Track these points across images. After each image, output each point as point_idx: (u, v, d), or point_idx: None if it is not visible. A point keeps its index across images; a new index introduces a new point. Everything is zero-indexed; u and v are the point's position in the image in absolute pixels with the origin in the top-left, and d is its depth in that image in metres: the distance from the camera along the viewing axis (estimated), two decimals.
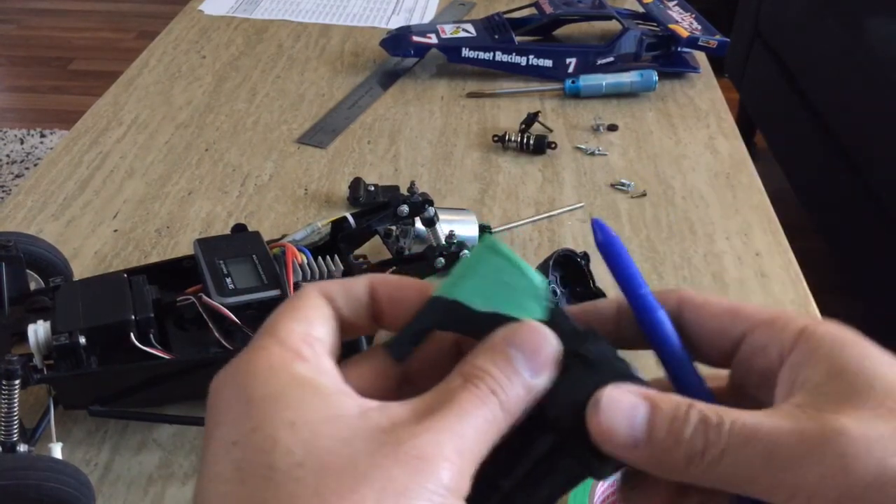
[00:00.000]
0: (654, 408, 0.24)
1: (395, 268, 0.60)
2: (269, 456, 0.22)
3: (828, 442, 0.22)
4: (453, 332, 0.27)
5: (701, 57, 1.08)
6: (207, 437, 0.23)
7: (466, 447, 0.23)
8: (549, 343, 0.25)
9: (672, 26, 1.02)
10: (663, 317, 0.27)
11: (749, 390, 0.27)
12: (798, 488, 0.22)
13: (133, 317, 0.52)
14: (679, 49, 1.04)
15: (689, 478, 0.24)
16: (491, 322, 0.26)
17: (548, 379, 0.25)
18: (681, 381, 0.27)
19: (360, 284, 0.28)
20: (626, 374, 0.25)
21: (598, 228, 0.28)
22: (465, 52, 1.01)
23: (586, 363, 0.25)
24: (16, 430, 0.49)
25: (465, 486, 0.23)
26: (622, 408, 0.24)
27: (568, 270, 0.61)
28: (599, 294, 0.62)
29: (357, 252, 0.67)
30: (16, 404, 0.49)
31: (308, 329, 0.25)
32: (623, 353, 0.26)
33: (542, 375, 0.25)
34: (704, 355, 0.28)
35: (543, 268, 0.60)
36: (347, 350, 0.28)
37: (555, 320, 0.26)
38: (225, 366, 0.25)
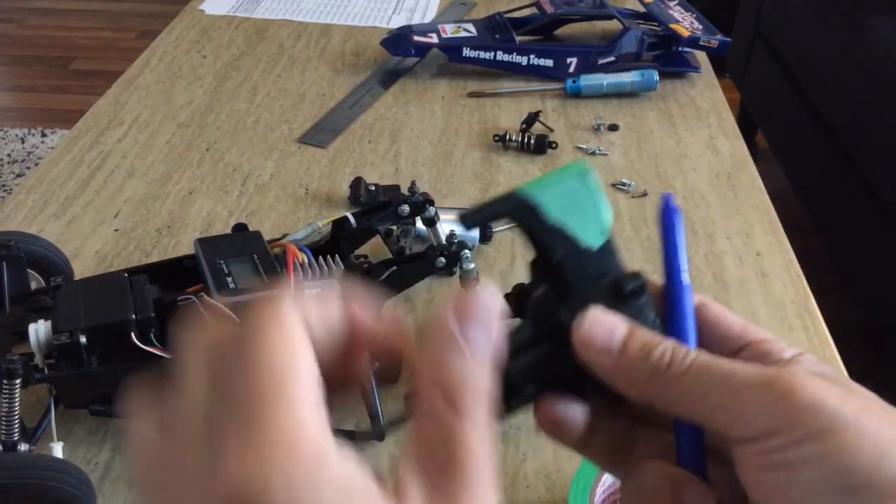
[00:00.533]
0: (632, 332, 0.27)
1: (395, 267, 0.60)
2: None
3: (779, 376, 0.24)
4: (519, 227, 0.28)
5: (702, 57, 1.08)
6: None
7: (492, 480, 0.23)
8: (480, 301, 0.25)
9: (673, 26, 1.02)
10: (686, 290, 0.29)
11: None
12: (743, 410, 0.24)
13: (134, 316, 0.52)
14: (680, 49, 1.04)
15: (648, 392, 0.26)
16: (554, 235, 0.28)
17: (495, 339, 0.25)
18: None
19: (334, 312, 0.26)
20: (642, 310, 0.28)
21: (666, 199, 0.30)
22: (466, 52, 1.01)
23: (617, 296, 0.28)
24: (17, 430, 0.49)
25: None
26: (605, 323, 0.27)
27: None
28: None
29: (358, 251, 0.67)
30: (17, 403, 0.49)
31: (314, 387, 0.22)
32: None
33: (487, 331, 0.25)
34: (708, 349, 0.29)
35: None
36: None
37: (606, 251, 0.28)
38: (253, 456, 0.20)
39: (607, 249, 0.28)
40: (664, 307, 0.29)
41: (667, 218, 0.29)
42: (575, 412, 0.28)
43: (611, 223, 0.29)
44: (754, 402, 0.24)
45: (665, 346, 0.26)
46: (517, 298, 0.29)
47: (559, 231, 0.28)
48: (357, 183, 0.79)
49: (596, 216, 0.28)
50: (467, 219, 0.28)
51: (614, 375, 0.27)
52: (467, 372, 0.24)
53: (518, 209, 0.28)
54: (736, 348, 0.28)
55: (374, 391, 0.50)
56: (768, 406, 0.24)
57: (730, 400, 0.24)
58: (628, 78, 0.98)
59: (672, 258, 0.29)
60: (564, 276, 0.28)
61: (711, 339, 0.29)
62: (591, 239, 0.28)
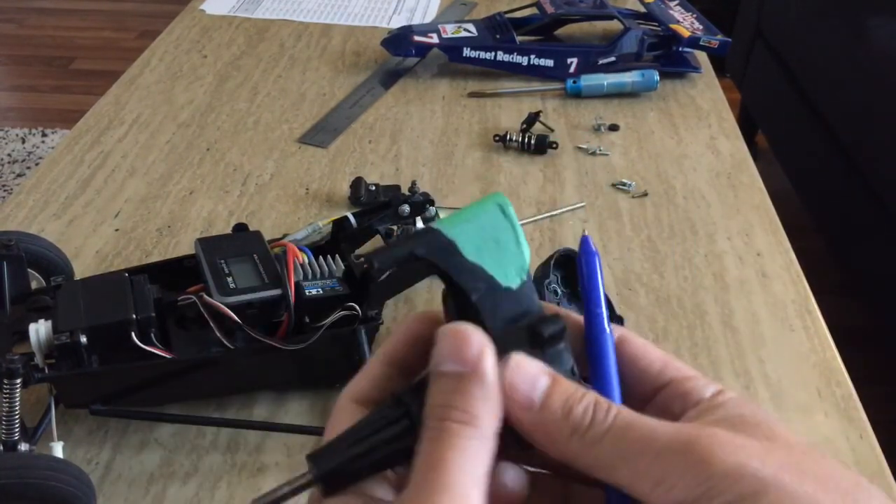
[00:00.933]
0: (555, 382, 0.26)
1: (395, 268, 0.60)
2: None
3: (699, 439, 0.24)
4: (432, 266, 0.27)
5: (702, 57, 1.08)
6: None
7: (460, 489, 0.23)
8: (467, 331, 0.25)
9: (673, 26, 1.02)
10: (608, 338, 0.28)
11: None
12: (663, 476, 0.24)
13: (134, 316, 0.52)
14: (680, 49, 1.04)
15: (568, 452, 0.25)
16: (472, 275, 0.27)
17: (492, 355, 0.25)
18: (603, 393, 0.28)
19: (377, 371, 0.28)
20: (560, 355, 0.27)
21: (584, 242, 0.29)
22: (467, 52, 1.01)
23: (536, 341, 0.26)
24: (17, 429, 0.49)
25: None
26: (529, 372, 0.26)
27: (569, 270, 0.61)
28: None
29: (358, 251, 0.67)
30: (17, 403, 0.49)
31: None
32: None
33: (483, 359, 0.25)
34: (628, 387, 0.29)
35: (545, 268, 0.60)
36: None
37: (524, 291, 0.27)
38: None
39: (525, 289, 0.27)
40: (582, 349, 0.28)
41: (586, 261, 0.28)
42: (511, 477, 0.27)
43: (528, 261, 0.28)
44: (675, 468, 0.23)
45: (587, 401, 0.25)
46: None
47: (478, 270, 0.27)
48: (357, 183, 0.79)
49: (515, 253, 0.27)
50: (375, 261, 0.26)
51: (534, 432, 0.26)
52: (432, 395, 0.25)
53: (432, 248, 0.26)
54: (657, 386, 0.28)
55: None
56: (689, 473, 0.23)
57: (651, 465, 0.24)
58: (629, 78, 0.98)
59: (592, 303, 0.28)
60: (481, 318, 0.26)
61: (632, 375, 0.28)
62: (509, 278, 0.27)
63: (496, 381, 0.25)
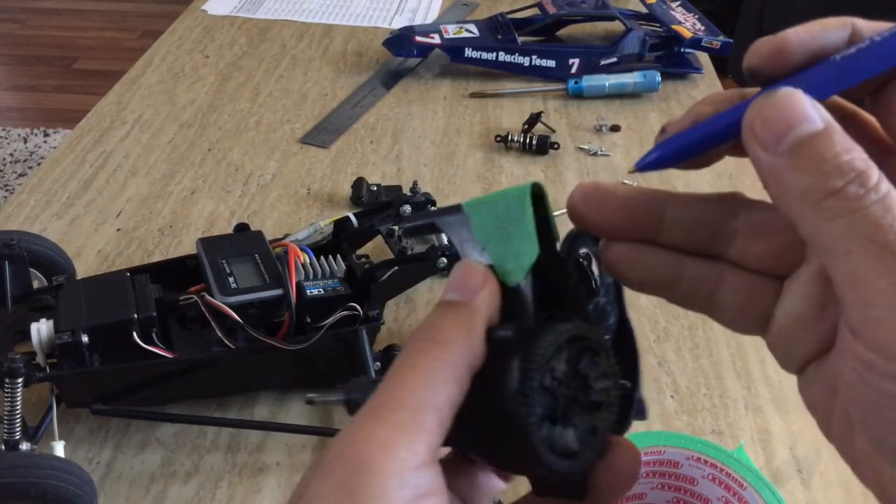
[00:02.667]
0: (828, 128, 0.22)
1: (397, 268, 0.60)
2: None
3: None
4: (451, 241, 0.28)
5: (704, 58, 1.08)
6: None
7: (408, 419, 0.22)
8: (473, 266, 0.25)
9: (675, 27, 1.02)
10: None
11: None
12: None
13: (136, 316, 0.52)
14: (682, 50, 1.04)
15: (801, 217, 0.22)
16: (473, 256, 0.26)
17: (491, 293, 0.25)
18: None
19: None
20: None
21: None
22: (469, 53, 1.01)
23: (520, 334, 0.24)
24: (18, 429, 0.49)
25: (423, 452, 0.22)
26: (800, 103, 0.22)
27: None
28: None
29: (359, 252, 0.67)
30: (18, 402, 0.49)
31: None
32: None
33: (481, 293, 0.25)
34: None
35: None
36: None
37: (515, 292, 0.25)
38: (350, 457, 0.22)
39: (518, 289, 0.25)
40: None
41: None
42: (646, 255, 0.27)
43: (531, 261, 0.25)
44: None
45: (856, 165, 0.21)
46: None
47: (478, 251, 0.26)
48: (359, 183, 0.79)
49: (520, 249, 0.25)
50: (404, 224, 0.28)
51: (771, 182, 0.22)
52: (426, 319, 0.25)
53: (449, 210, 0.27)
54: None
55: None
56: None
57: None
58: (630, 79, 0.98)
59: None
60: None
61: None
62: (507, 274, 0.26)
63: (485, 315, 0.25)
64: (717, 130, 0.24)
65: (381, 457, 0.21)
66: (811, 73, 0.23)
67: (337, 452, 0.21)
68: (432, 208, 0.67)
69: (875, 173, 0.21)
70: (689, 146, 0.25)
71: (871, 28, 0.23)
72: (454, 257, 0.61)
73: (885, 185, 0.20)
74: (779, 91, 0.22)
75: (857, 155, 0.21)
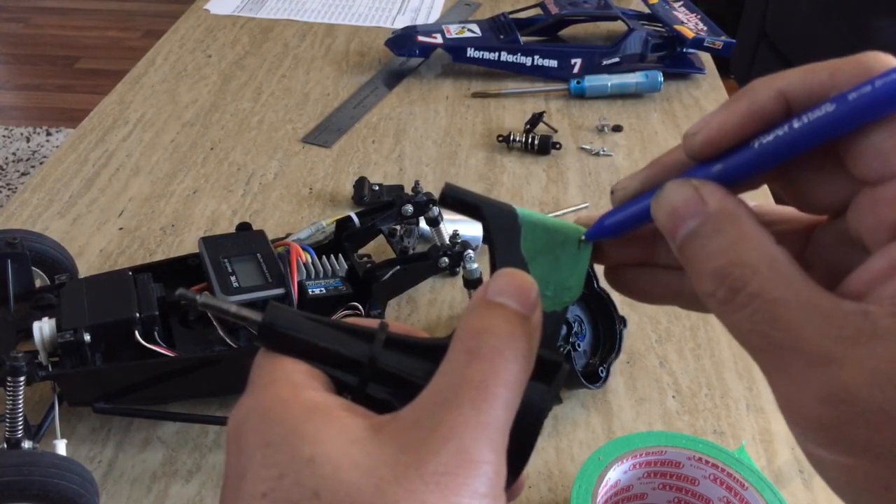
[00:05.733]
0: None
1: (398, 267, 0.60)
2: (291, 490, 0.21)
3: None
4: (486, 232, 0.27)
5: (706, 58, 1.08)
6: (233, 489, 0.23)
7: (496, 432, 0.22)
8: (528, 279, 0.25)
9: (677, 27, 1.02)
10: None
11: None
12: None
13: (138, 314, 0.53)
14: (684, 50, 1.04)
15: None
16: (511, 264, 0.26)
17: (540, 314, 0.25)
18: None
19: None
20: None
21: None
22: (471, 52, 1.01)
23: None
24: (20, 427, 0.49)
25: (503, 474, 0.22)
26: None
27: None
28: (603, 295, 0.62)
29: (361, 251, 0.67)
30: (20, 401, 0.49)
31: (305, 364, 0.25)
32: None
33: (537, 310, 0.25)
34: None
35: None
36: None
37: (546, 318, 0.26)
38: (237, 408, 0.24)
39: (548, 317, 0.26)
40: None
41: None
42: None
43: (571, 300, 0.27)
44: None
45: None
46: None
47: (520, 265, 0.26)
48: (361, 182, 0.79)
49: (564, 281, 0.27)
50: (448, 189, 0.27)
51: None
52: (489, 319, 0.24)
53: (497, 217, 0.26)
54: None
55: None
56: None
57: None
58: (633, 79, 0.98)
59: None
60: None
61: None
62: (546, 301, 0.26)
63: (539, 338, 0.25)
64: (645, 211, 0.26)
65: None
66: (731, 158, 0.24)
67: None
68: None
69: (748, 271, 0.22)
70: (624, 223, 0.27)
71: (804, 90, 0.23)
72: (456, 257, 0.61)
73: (762, 282, 0.21)
74: (666, 187, 0.24)
75: (732, 252, 0.22)
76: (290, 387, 0.24)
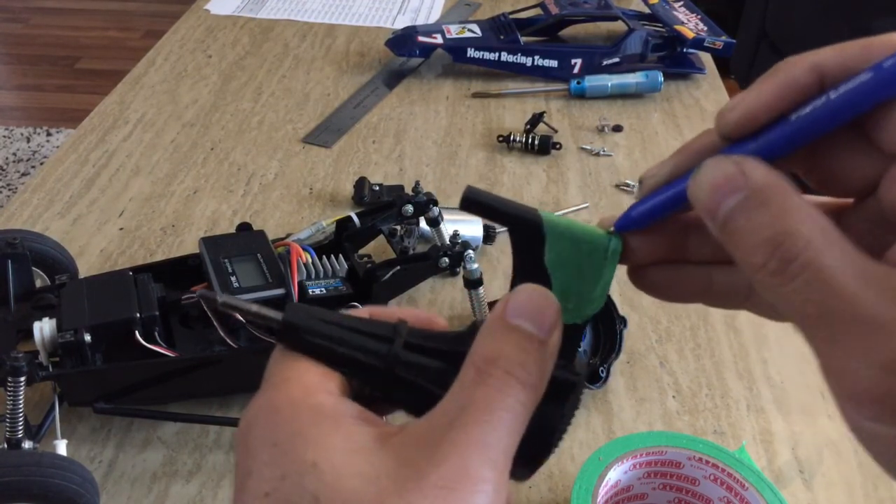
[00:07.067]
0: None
1: (398, 268, 0.60)
2: (295, 485, 0.22)
3: None
4: (512, 238, 0.26)
5: (706, 58, 1.08)
6: (239, 488, 0.23)
7: (499, 454, 0.22)
8: (549, 299, 0.25)
9: (678, 27, 1.02)
10: None
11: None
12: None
13: (138, 314, 0.53)
14: (684, 50, 1.04)
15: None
16: (532, 275, 0.25)
17: (560, 334, 0.25)
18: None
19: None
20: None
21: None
22: (471, 53, 1.01)
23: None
24: (21, 427, 0.49)
25: (504, 493, 0.22)
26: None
27: None
28: None
29: (362, 251, 0.67)
30: (21, 401, 0.49)
31: (321, 366, 0.25)
32: None
33: (555, 333, 0.24)
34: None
35: None
36: None
37: (566, 331, 0.25)
38: (248, 407, 0.24)
39: (568, 332, 0.25)
40: None
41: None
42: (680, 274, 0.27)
43: (593, 312, 0.26)
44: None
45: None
46: None
47: (542, 276, 0.26)
48: (361, 183, 0.79)
49: (587, 293, 0.26)
50: (470, 192, 0.26)
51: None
52: (502, 344, 0.24)
53: (522, 226, 0.26)
54: None
55: None
56: None
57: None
58: (633, 79, 0.98)
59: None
60: None
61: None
62: (567, 314, 0.26)
63: (555, 358, 0.25)
64: (681, 194, 0.25)
65: None
66: (768, 135, 0.24)
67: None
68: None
69: (800, 239, 0.21)
70: (657, 209, 0.26)
71: (838, 65, 0.23)
72: (456, 257, 0.61)
73: (814, 252, 0.21)
74: (706, 164, 0.23)
75: (782, 222, 0.21)
76: (302, 389, 0.24)
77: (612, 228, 0.27)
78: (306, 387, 0.24)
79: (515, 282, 0.26)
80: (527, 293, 0.25)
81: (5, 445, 0.49)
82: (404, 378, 0.25)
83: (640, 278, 0.28)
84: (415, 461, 0.22)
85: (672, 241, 0.27)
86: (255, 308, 0.26)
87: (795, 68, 0.23)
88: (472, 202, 0.25)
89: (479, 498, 0.22)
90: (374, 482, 0.21)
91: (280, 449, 0.22)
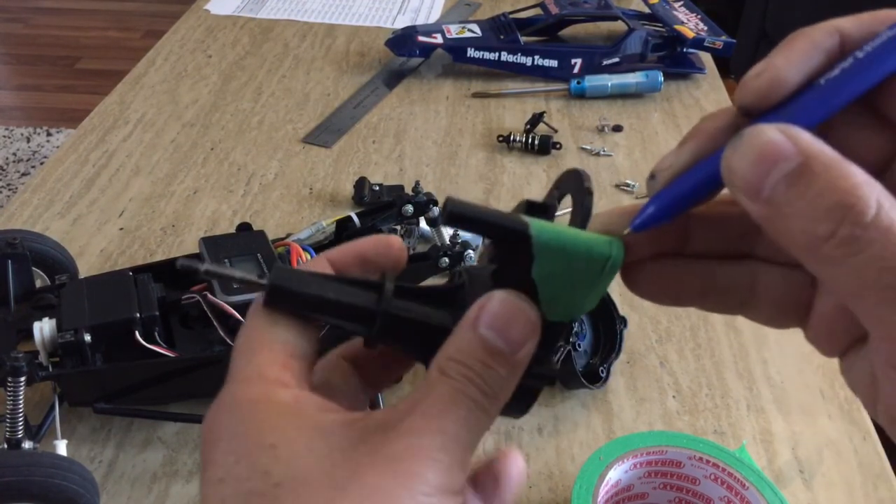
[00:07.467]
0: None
1: None
2: (248, 483, 0.22)
3: None
4: (493, 244, 0.25)
5: (706, 58, 1.08)
6: (201, 481, 0.23)
7: (452, 441, 0.22)
8: (523, 311, 0.24)
9: (678, 27, 1.02)
10: None
11: None
12: None
13: (138, 315, 0.53)
14: (685, 50, 1.04)
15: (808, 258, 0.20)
16: (521, 286, 0.24)
17: (533, 345, 0.24)
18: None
19: (319, 266, 0.27)
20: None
21: None
22: (471, 52, 1.01)
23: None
24: (21, 427, 0.49)
25: (458, 479, 0.23)
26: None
27: None
28: (603, 294, 0.62)
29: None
30: (21, 401, 0.49)
31: (285, 350, 0.25)
32: None
33: (526, 346, 0.24)
34: None
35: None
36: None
37: (552, 329, 0.24)
38: (212, 405, 0.24)
39: (551, 328, 0.24)
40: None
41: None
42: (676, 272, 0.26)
43: (581, 315, 0.25)
44: None
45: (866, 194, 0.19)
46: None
47: (529, 286, 0.24)
48: (361, 183, 0.79)
49: (578, 300, 0.24)
50: (451, 204, 0.23)
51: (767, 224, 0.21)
52: (467, 354, 0.24)
53: (511, 239, 0.24)
54: None
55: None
56: None
57: None
58: (633, 79, 0.98)
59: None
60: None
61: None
62: (554, 312, 0.24)
63: (522, 369, 0.24)
64: (710, 177, 0.23)
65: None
66: (798, 102, 0.22)
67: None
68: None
69: (871, 204, 0.19)
70: (684, 198, 0.24)
71: (857, 29, 0.22)
72: (456, 257, 0.61)
73: (887, 214, 0.19)
74: (746, 134, 0.21)
75: (845, 186, 0.19)
76: (262, 384, 0.23)
77: (626, 230, 0.25)
78: (266, 381, 0.24)
79: (496, 286, 0.24)
80: (501, 303, 0.24)
81: (5, 445, 0.49)
82: (402, 317, 0.25)
83: (635, 279, 0.26)
84: (370, 440, 0.22)
85: (672, 233, 0.25)
86: (238, 274, 0.25)
87: (818, 32, 0.22)
88: (458, 217, 0.23)
89: (429, 467, 0.22)
90: (328, 457, 0.22)
91: (238, 438, 0.23)
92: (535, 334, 0.24)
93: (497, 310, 0.24)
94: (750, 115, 0.23)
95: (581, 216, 0.25)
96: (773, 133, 0.20)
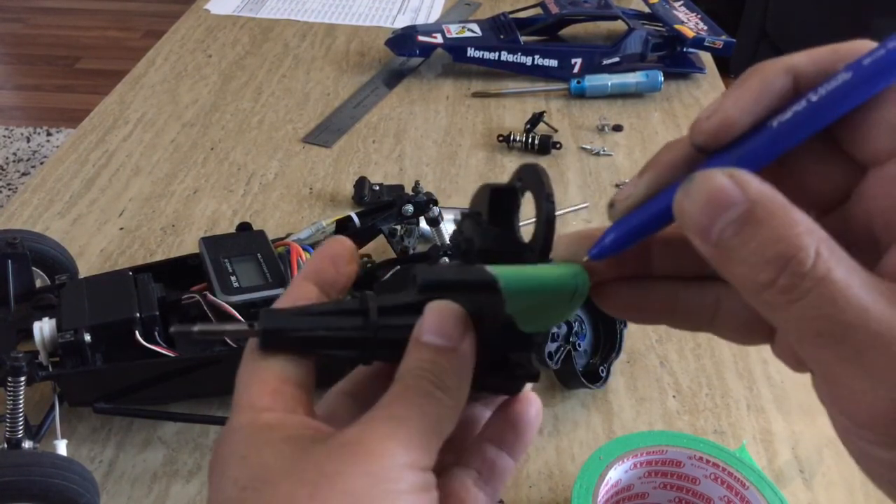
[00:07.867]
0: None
1: (398, 267, 0.60)
2: (222, 493, 0.23)
3: None
4: (464, 290, 0.26)
5: (706, 57, 1.08)
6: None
7: (404, 424, 0.23)
8: (453, 311, 0.25)
9: (678, 27, 1.02)
10: None
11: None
12: (870, 368, 0.20)
13: (138, 314, 0.53)
14: (685, 49, 1.04)
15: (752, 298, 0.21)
16: (496, 317, 0.26)
17: (471, 339, 0.26)
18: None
19: (305, 291, 0.28)
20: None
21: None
22: (471, 52, 1.01)
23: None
24: (21, 427, 0.49)
25: (419, 458, 0.23)
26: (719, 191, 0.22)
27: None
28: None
29: (362, 251, 0.67)
30: (21, 401, 0.49)
31: (277, 377, 0.26)
32: None
33: (465, 340, 0.25)
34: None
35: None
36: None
37: (514, 333, 0.26)
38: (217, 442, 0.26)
39: (530, 338, 0.27)
40: None
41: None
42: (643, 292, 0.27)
43: (552, 330, 0.27)
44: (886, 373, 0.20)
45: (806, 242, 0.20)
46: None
47: (507, 321, 0.25)
48: (361, 182, 0.79)
49: (551, 322, 0.27)
50: (428, 283, 0.26)
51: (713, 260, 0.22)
52: (415, 362, 0.25)
53: (485, 288, 0.25)
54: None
55: None
56: None
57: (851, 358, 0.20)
58: (633, 78, 0.98)
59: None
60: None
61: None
62: (530, 327, 0.26)
63: (471, 362, 0.26)
64: (664, 211, 0.24)
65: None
66: (749, 143, 0.23)
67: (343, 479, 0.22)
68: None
69: (810, 254, 0.20)
70: (640, 229, 0.25)
71: (812, 67, 0.22)
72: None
73: (824, 264, 0.20)
74: (696, 178, 0.22)
75: (787, 235, 0.20)
76: (251, 412, 0.25)
77: (585, 258, 0.26)
78: (255, 409, 0.25)
79: (474, 323, 0.26)
80: (433, 313, 0.25)
81: (5, 445, 0.49)
82: (389, 339, 0.26)
83: (603, 298, 0.27)
84: (331, 435, 0.24)
85: (635, 256, 0.26)
86: (230, 327, 0.27)
87: (770, 72, 0.23)
88: (432, 287, 0.26)
89: (386, 446, 0.23)
90: (291, 458, 0.23)
91: (224, 459, 0.24)
92: (469, 328, 0.25)
93: (432, 317, 0.25)
94: (705, 153, 0.24)
95: (544, 227, 0.26)
96: (721, 179, 0.21)
